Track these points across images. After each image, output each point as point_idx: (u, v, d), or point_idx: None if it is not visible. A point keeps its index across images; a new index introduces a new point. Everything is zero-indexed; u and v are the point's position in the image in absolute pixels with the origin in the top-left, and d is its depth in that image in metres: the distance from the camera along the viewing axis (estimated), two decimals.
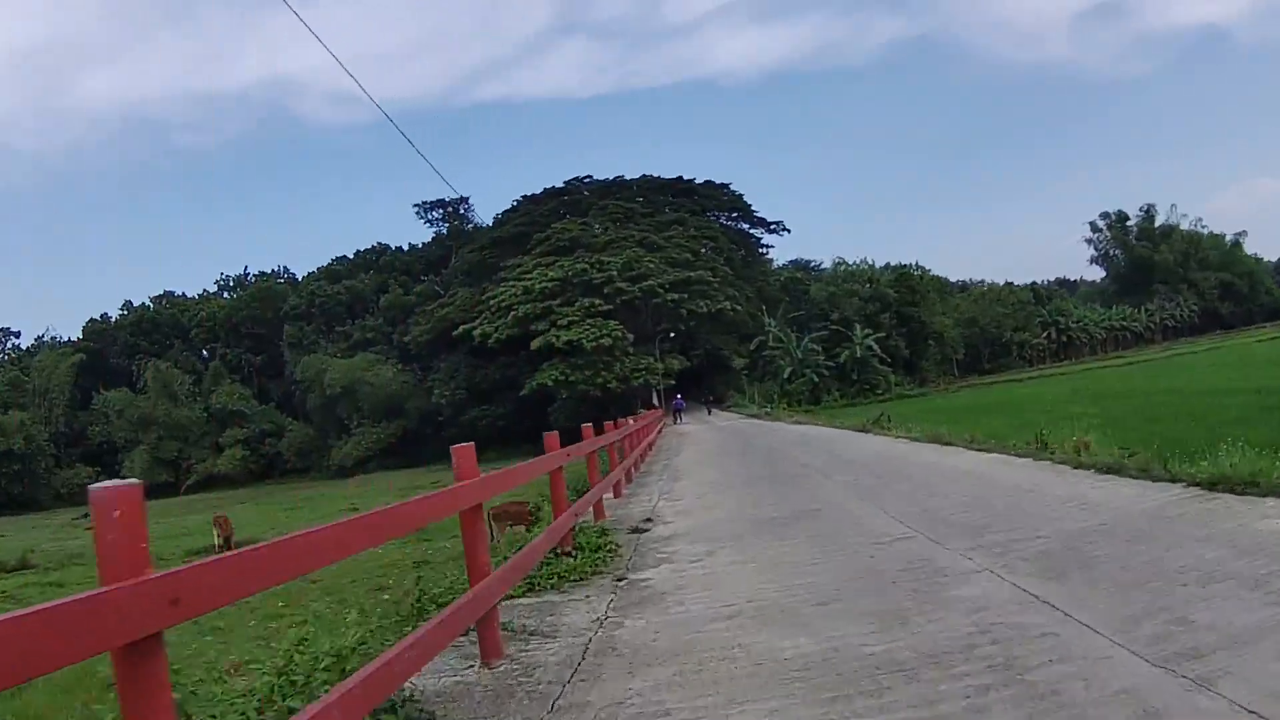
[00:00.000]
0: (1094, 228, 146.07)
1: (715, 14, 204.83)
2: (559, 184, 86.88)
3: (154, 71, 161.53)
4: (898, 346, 76.45)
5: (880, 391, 72.67)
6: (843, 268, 79.12)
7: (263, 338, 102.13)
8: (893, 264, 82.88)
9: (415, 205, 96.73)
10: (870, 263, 79.34)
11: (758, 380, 71.88)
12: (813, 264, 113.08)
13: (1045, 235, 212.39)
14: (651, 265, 68.16)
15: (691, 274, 68.47)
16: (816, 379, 71.08)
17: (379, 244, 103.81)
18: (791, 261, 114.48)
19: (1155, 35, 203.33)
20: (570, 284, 66.94)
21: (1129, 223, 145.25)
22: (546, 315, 65.91)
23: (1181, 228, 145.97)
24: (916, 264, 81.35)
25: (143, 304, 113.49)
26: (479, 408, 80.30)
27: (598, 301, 65.46)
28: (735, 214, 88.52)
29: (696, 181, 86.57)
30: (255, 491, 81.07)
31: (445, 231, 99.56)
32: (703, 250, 75.01)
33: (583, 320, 64.69)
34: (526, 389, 67.78)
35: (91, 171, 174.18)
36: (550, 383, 64.81)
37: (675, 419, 54.93)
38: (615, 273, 66.39)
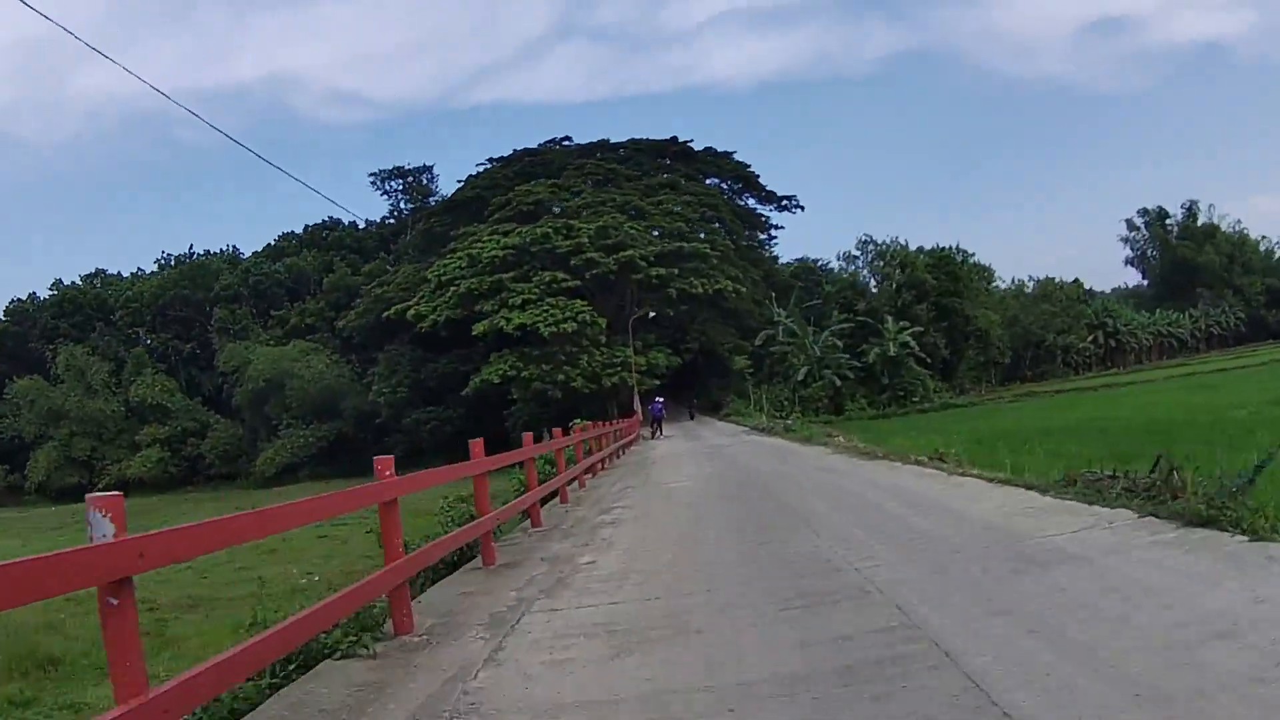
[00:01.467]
0: (1130, 226, 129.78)
1: (713, 21, 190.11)
2: (532, 145, 70.85)
3: (153, 68, 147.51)
4: (936, 345, 60.27)
5: (917, 399, 56.51)
6: (870, 246, 63.09)
7: (192, 322, 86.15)
8: (927, 248, 66.52)
9: (371, 174, 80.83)
10: (903, 243, 63.38)
11: (764, 382, 55.73)
12: (820, 262, 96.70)
13: (1054, 240, 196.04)
14: (634, 232, 52.18)
15: (685, 244, 52.47)
16: (839, 381, 54.88)
17: (329, 219, 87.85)
18: (797, 260, 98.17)
19: (1157, 50, 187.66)
20: (528, 253, 50.88)
21: (1168, 221, 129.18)
22: (496, 292, 49.87)
23: (1222, 229, 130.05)
24: (957, 246, 65.50)
25: (72, 283, 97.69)
26: (424, 409, 64.27)
27: (562, 276, 49.44)
28: (739, 186, 72.34)
29: (694, 146, 70.43)
30: (149, 503, 65.17)
31: (404, 204, 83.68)
32: (699, 219, 58.98)
33: (541, 299, 48.65)
34: (470, 387, 51.76)
35: (83, 162, 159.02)
36: (497, 379, 48.77)
37: (654, 431, 39.00)
38: (586, 240, 50.37)
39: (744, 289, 54.30)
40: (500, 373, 48.51)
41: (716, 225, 59.04)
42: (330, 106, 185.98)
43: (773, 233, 75.60)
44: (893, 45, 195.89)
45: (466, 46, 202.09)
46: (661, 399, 39.61)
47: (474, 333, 49.12)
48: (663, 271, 49.82)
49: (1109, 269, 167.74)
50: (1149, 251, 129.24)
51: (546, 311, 47.53)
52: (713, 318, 57.60)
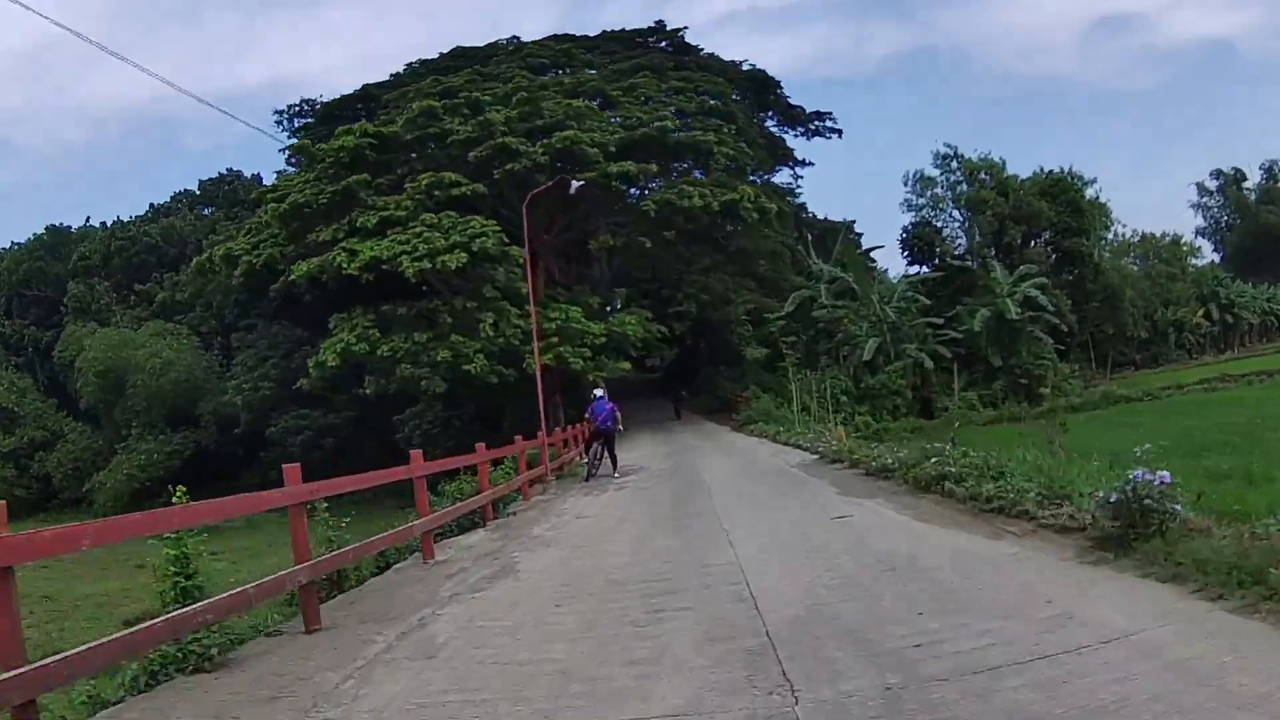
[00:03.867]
0: (1202, 190, 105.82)
1: (718, 22, 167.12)
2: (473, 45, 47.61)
3: (160, 71, 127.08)
4: (1059, 306, 36.95)
5: (1047, 389, 33.20)
6: (954, 163, 39.59)
7: (54, 304, 63.56)
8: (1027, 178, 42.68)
9: (276, 113, 57.92)
10: (999, 160, 40.04)
11: (804, 368, 32.25)
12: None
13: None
14: (582, 109, 29.13)
15: (670, 130, 29.50)
16: (929, 362, 31.64)
17: (229, 170, 65.13)
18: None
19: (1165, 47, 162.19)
20: (399, 146, 27.94)
21: (1245, 185, 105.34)
22: (340, 209, 26.85)
23: None
24: (1072, 170, 42.02)
25: None
26: (295, 413, 41.52)
27: (454, 178, 26.42)
28: (753, 101, 48.84)
29: (692, 42, 47.15)
30: None
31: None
32: (696, 112, 35.56)
33: (414, 214, 25.67)
34: (308, 378, 28.80)
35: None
36: (334, 360, 25.70)
37: (593, 459, 16.11)
38: (499, 117, 27.27)
39: (770, 207, 30.97)
40: (342, 348, 25.44)
41: (725, 128, 35.67)
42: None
43: (799, 171, 52.06)
44: (902, 43, 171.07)
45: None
46: (602, 392, 16.32)
47: (292, 277, 26.20)
48: (630, 168, 26.72)
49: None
50: (1224, 219, 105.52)
51: (417, 235, 24.42)
52: (719, 265, 34.42)
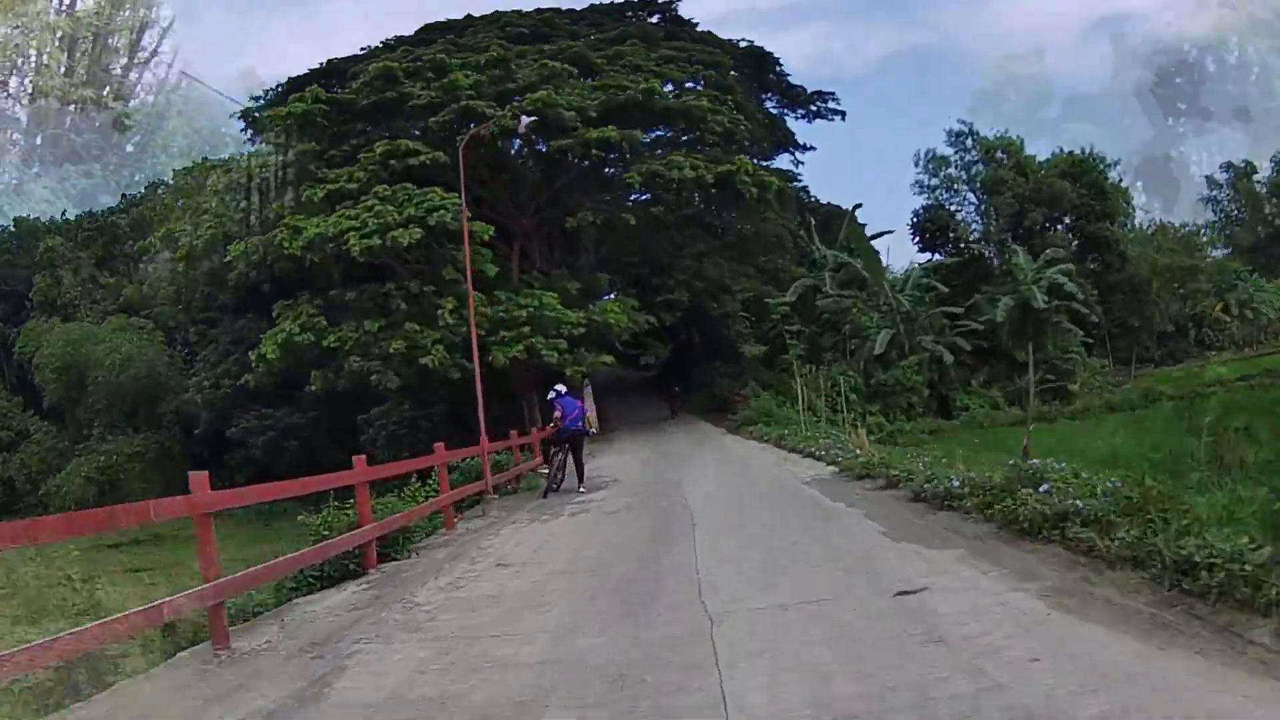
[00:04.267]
0: (1212, 184, 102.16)
1: (718, 22, 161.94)
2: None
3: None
4: (1086, 295, 33.54)
5: (1075, 385, 29.86)
6: (970, 140, 36.12)
7: (22, 298, 60.11)
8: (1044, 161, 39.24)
9: (252, 98, 54.29)
10: (1016, 138, 36.68)
11: (806, 363, 28.79)
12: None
13: None
14: (559, 70, 25.81)
15: (656, 93, 26.17)
16: (949, 357, 28.26)
17: (204, 159, 61.42)
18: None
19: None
20: (356, 113, 24.62)
21: (1255, 178, 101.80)
22: (278, 186, 23.50)
23: None
24: (1092, 149, 38.60)
25: None
26: (258, 413, 38.10)
27: (412, 146, 23.07)
28: (748, 72, 45.22)
29: (685, 16, 43.66)
30: None
31: None
32: (689, 84, 32.13)
33: (367, 187, 22.32)
34: (252, 375, 25.48)
35: None
36: (273, 353, 22.41)
37: (554, 467, 12.84)
38: (465, 80, 23.94)
39: (771, 180, 27.52)
40: (284, 338, 22.13)
41: (722, 98, 32.20)
42: None
43: (800, 156, 48.49)
44: (902, 42, 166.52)
45: None
46: (563, 387, 13.13)
47: (228, 259, 22.88)
48: (612, 134, 23.36)
49: None
50: (1234, 214, 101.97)
51: (368, 209, 21.08)
52: (714, 250, 31.05)
